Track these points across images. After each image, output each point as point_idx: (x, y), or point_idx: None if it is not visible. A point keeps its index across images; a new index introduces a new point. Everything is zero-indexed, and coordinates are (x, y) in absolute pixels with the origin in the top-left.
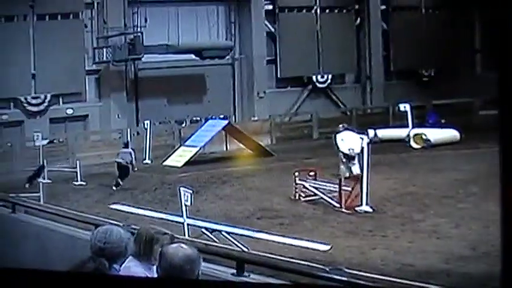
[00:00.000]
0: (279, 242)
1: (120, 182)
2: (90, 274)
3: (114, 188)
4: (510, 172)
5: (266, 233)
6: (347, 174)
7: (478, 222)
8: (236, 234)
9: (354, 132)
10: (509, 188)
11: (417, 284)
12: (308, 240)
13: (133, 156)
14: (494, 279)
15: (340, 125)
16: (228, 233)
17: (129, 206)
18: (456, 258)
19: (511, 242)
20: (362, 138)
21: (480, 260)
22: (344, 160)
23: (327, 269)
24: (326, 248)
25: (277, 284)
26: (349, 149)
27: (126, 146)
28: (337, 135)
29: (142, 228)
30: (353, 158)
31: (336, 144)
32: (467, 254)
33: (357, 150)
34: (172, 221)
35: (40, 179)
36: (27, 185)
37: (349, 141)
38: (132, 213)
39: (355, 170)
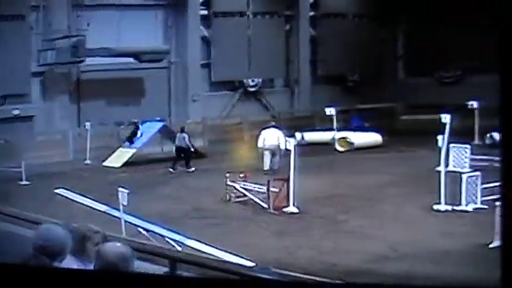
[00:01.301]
0: (207, 253)
1: (177, 166)
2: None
3: (171, 170)
4: (510, 172)
5: (197, 240)
6: (267, 167)
7: (400, 224)
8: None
9: (279, 130)
10: (509, 188)
11: None
12: (235, 255)
13: (187, 141)
14: (414, 279)
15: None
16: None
17: (72, 192)
18: (378, 258)
19: (510, 242)
20: (288, 140)
21: (401, 260)
22: (266, 154)
23: (255, 269)
24: (251, 264)
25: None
26: (268, 145)
27: (182, 130)
28: (262, 132)
29: (76, 226)
30: (274, 153)
31: (259, 139)
32: (388, 254)
33: (275, 146)
34: (111, 215)
35: None
36: None
37: (270, 138)
38: (73, 200)
39: (275, 165)
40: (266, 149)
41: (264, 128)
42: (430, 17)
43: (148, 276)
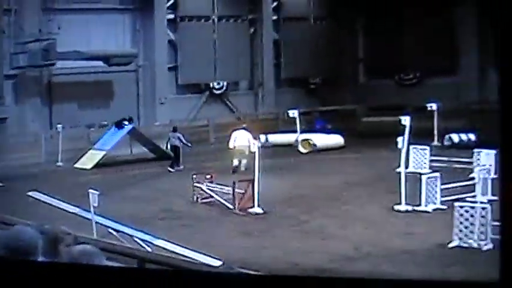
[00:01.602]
0: (175, 252)
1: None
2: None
3: (170, 169)
4: (509, 171)
5: (165, 240)
6: (235, 163)
7: (362, 224)
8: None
9: (248, 132)
10: (509, 187)
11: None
12: (202, 254)
13: (182, 139)
14: (376, 276)
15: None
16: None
17: (45, 194)
18: (341, 257)
19: (510, 240)
20: (254, 143)
21: (363, 259)
22: (236, 155)
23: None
24: (218, 263)
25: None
26: (238, 146)
27: (174, 130)
28: (233, 133)
29: (47, 228)
30: (243, 154)
31: (230, 140)
32: (351, 254)
33: (245, 147)
34: (82, 216)
35: None
36: None
37: (240, 139)
38: (46, 202)
39: (243, 165)
40: (236, 150)
41: (235, 130)
42: (389, 19)
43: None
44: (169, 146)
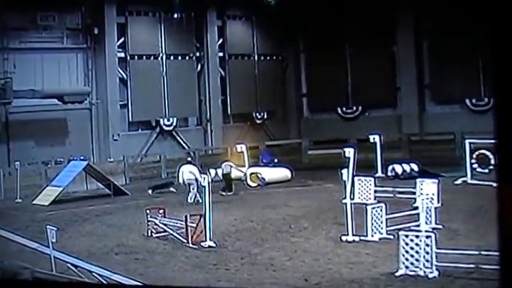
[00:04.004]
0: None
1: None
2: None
3: (222, 193)
4: (505, 172)
5: (122, 275)
6: (189, 200)
7: (310, 255)
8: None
9: (193, 165)
10: (505, 187)
11: None
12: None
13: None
14: None
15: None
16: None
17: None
18: None
19: (509, 240)
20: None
21: None
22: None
23: None
24: None
25: None
26: (186, 179)
27: (226, 161)
28: (180, 168)
29: (6, 263)
30: (192, 186)
31: (178, 175)
32: (300, 285)
33: (192, 180)
34: (42, 252)
35: None
36: None
37: (187, 172)
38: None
39: (191, 197)
40: (185, 183)
41: (182, 165)
42: (330, 55)
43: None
44: (221, 174)
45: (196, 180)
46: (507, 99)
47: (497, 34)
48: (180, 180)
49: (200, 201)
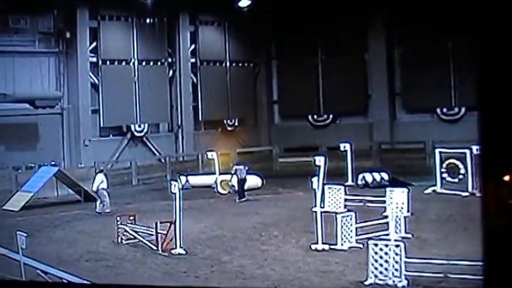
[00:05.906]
0: None
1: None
2: None
3: (236, 200)
4: (488, 170)
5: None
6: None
7: (280, 263)
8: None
9: (104, 175)
10: (489, 184)
11: None
12: None
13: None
14: None
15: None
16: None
17: None
18: None
19: (492, 237)
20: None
21: None
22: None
23: None
24: None
25: None
26: (100, 188)
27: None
28: (96, 176)
29: None
30: (101, 196)
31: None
32: None
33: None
34: (11, 258)
35: None
36: None
37: (98, 181)
38: None
39: (100, 207)
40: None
41: (97, 173)
42: (301, 62)
43: None
44: (235, 179)
45: (106, 190)
46: (490, 104)
47: (483, 41)
48: (94, 189)
49: (108, 211)
